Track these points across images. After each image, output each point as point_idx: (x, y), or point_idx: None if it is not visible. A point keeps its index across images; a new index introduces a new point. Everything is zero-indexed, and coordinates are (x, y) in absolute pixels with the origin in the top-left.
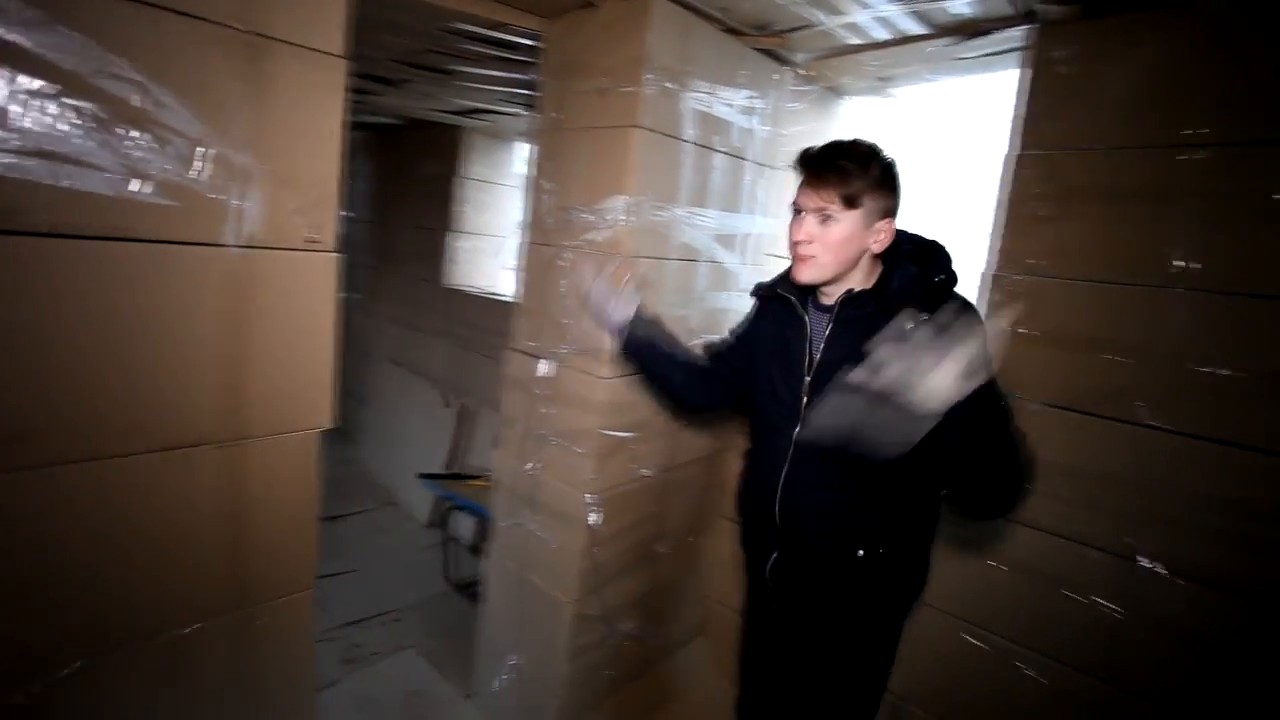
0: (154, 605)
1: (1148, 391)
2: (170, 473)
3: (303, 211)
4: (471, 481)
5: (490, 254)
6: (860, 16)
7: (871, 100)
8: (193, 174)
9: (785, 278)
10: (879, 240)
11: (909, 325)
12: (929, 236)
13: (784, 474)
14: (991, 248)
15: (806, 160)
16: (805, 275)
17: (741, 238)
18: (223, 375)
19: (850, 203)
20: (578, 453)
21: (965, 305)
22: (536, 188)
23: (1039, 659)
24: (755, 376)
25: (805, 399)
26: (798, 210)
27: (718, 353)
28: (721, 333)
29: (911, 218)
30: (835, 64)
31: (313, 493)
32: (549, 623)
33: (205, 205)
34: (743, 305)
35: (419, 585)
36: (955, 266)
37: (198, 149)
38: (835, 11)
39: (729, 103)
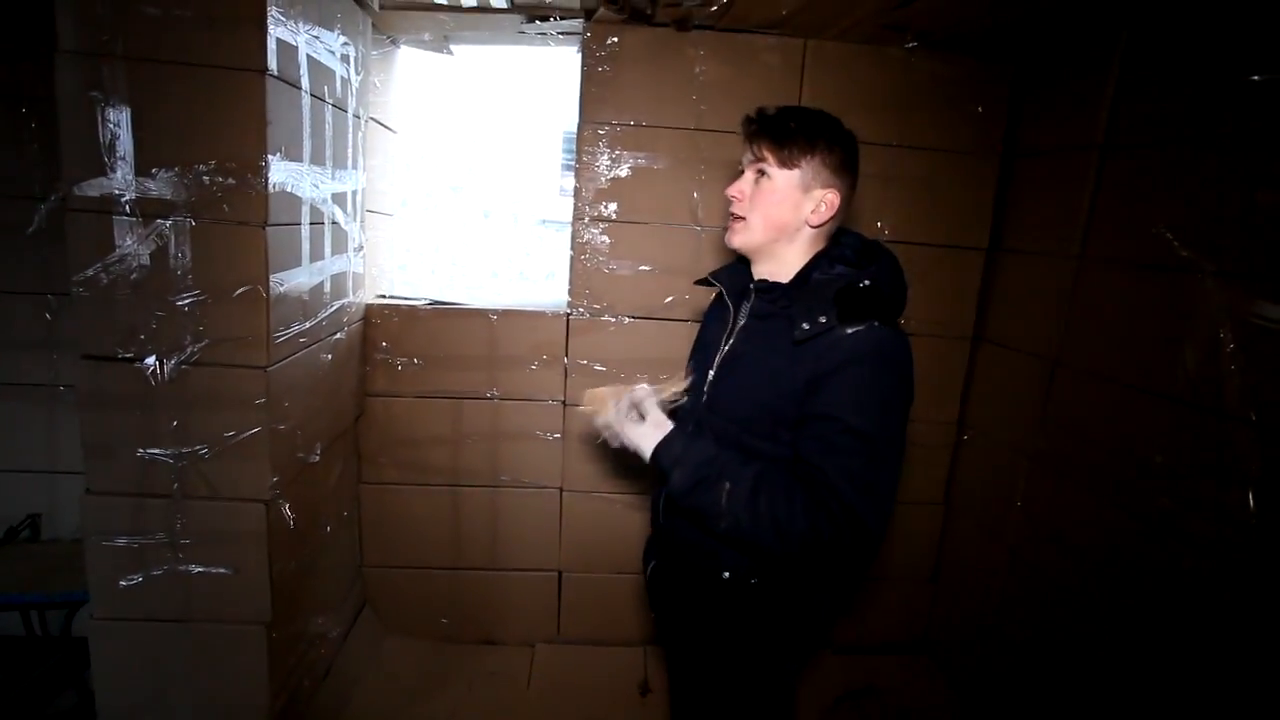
0: None
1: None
2: None
3: None
4: None
5: None
6: None
7: (431, 54)
8: None
9: (726, 266)
10: (817, 213)
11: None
12: (883, 244)
13: None
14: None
15: (750, 115)
16: (735, 239)
17: (351, 194)
18: None
19: (787, 161)
20: (239, 459)
21: (870, 334)
22: (81, 133)
23: None
24: None
25: (705, 393)
26: (742, 172)
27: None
28: (345, 296)
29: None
30: (410, 16)
31: None
32: (239, 661)
33: None
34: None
35: None
36: (896, 278)
37: None
38: None
39: (330, 48)
